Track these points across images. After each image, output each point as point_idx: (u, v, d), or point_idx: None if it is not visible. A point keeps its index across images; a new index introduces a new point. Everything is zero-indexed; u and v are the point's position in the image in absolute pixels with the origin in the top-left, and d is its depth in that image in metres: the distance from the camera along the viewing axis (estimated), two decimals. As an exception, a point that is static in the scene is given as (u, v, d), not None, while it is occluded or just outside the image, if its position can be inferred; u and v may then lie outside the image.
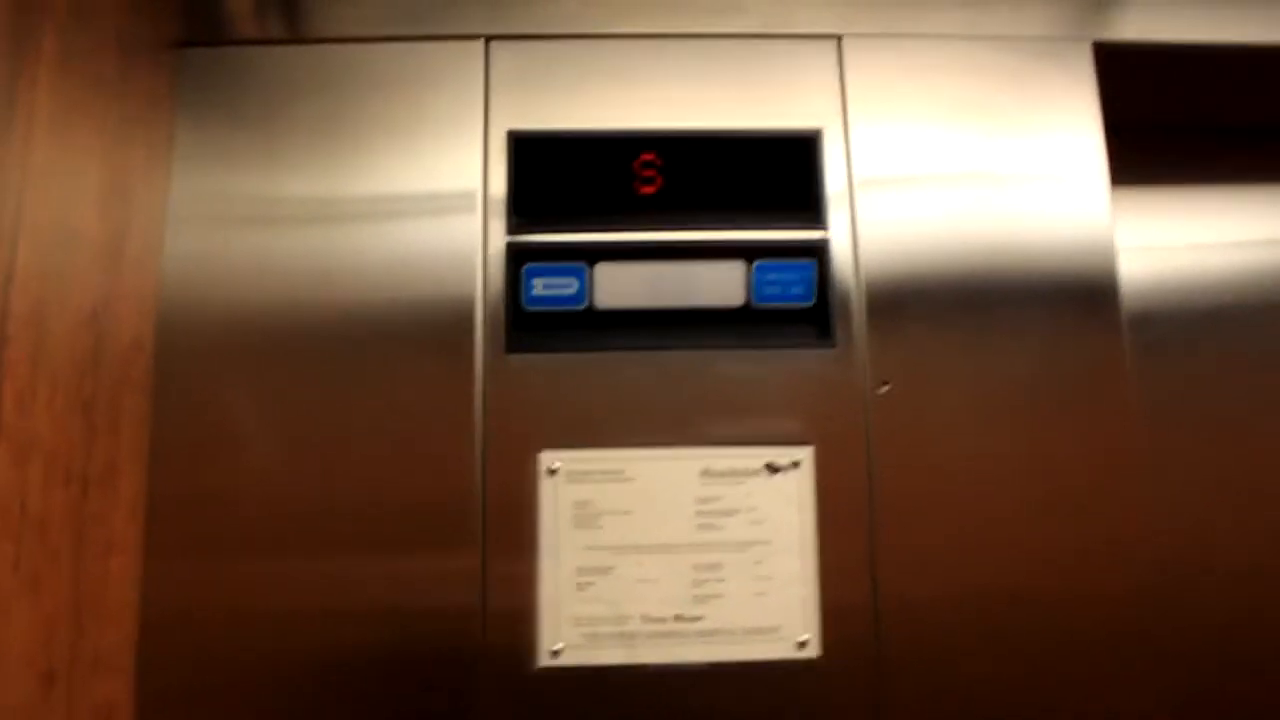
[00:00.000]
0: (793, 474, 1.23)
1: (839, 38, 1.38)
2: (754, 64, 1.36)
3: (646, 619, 1.19)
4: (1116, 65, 1.38)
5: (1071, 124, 1.36)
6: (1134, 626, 1.23)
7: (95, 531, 1.08)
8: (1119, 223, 1.34)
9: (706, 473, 1.23)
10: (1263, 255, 1.62)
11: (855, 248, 1.30)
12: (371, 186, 1.29)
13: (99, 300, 1.11)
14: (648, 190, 1.32)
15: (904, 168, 1.34)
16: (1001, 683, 1.22)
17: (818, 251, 1.30)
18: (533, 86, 1.34)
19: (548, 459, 1.22)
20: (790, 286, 1.29)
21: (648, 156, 1.33)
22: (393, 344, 1.24)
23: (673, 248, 1.30)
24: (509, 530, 1.21)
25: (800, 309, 1.29)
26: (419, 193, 1.29)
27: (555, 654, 1.18)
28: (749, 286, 1.29)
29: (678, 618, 1.19)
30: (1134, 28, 1.40)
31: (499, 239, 1.28)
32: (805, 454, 1.24)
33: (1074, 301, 1.31)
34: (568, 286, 1.28)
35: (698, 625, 1.19)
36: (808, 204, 1.32)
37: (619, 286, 1.28)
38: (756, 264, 1.29)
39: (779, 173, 1.33)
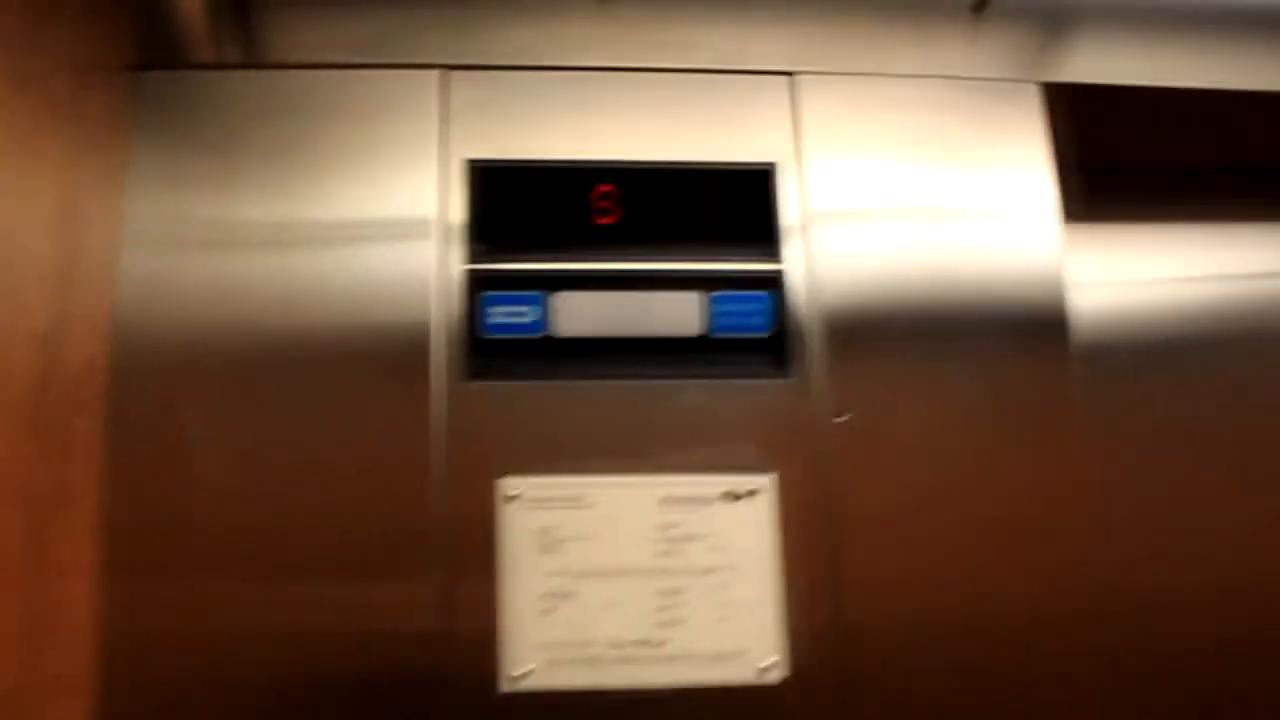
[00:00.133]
0: (752, 501, 1.24)
1: (791, 74, 1.40)
2: (709, 98, 1.38)
3: (610, 644, 1.18)
4: (1065, 105, 1.42)
5: (1022, 161, 1.39)
6: (1089, 649, 1.25)
7: (50, 555, 1.06)
8: (1070, 258, 1.37)
9: (667, 499, 1.23)
10: (1211, 290, 1.67)
11: (811, 280, 1.32)
12: (328, 212, 1.28)
13: (50, 322, 1.09)
14: (605, 220, 1.33)
15: (858, 201, 1.36)
16: (963, 705, 1.23)
17: (773, 283, 1.31)
18: (491, 116, 1.34)
19: (507, 485, 1.21)
20: (747, 317, 1.30)
21: (605, 188, 1.34)
22: (351, 369, 1.23)
23: (630, 277, 1.30)
24: (470, 556, 1.20)
25: (757, 339, 1.30)
26: (376, 218, 1.28)
27: (518, 679, 1.17)
28: (706, 317, 1.30)
29: (641, 642, 1.19)
30: (1080, 70, 1.44)
31: (456, 266, 1.28)
32: (765, 481, 1.25)
33: (1024, 333, 1.33)
34: (526, 315, 1.28)
35: (661, 650, 1.19)
36: (763, 236, 1.34)
37: (577, 315, 1.29)
38: (713, 295, 1.30)
39: (735, 205, 1.35)
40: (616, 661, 1.18)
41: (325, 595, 1.17)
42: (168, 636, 1.15)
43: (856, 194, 1.36)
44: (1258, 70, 1.48)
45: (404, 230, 1.28)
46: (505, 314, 1.28)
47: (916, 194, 1.37)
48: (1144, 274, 1.66)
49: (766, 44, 1.41)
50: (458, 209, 1.30)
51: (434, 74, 1.35)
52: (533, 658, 1.17)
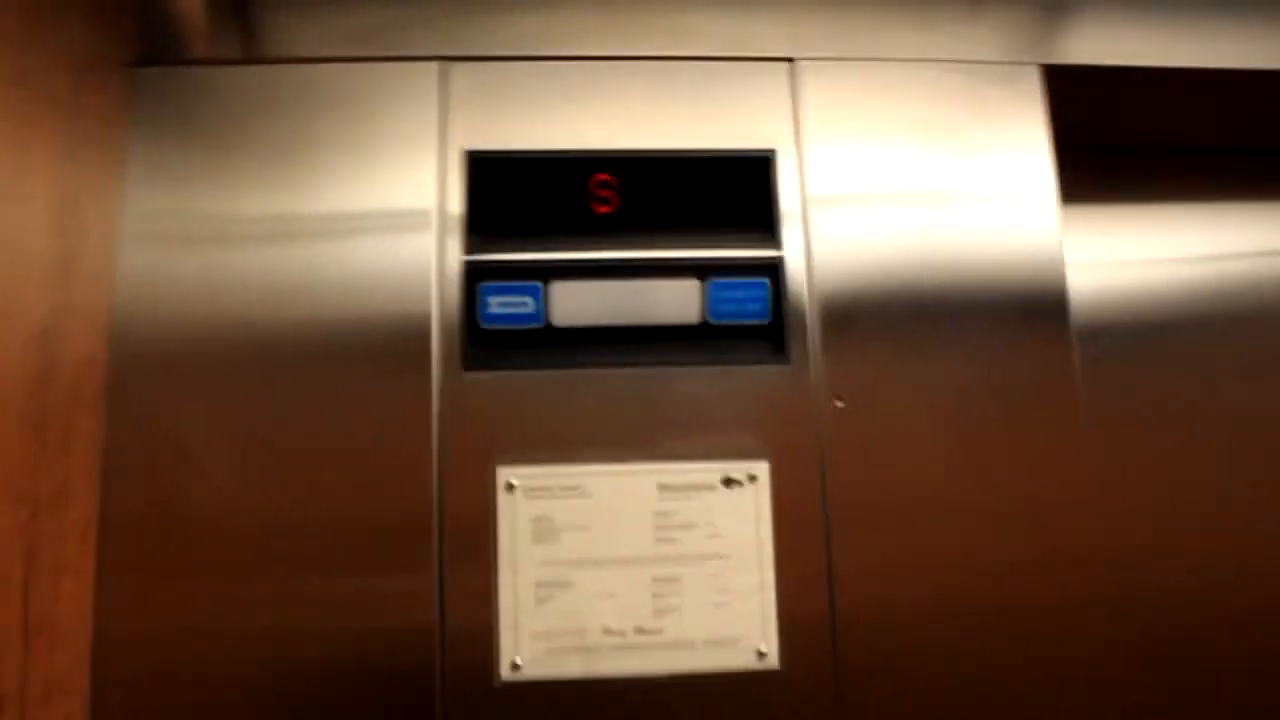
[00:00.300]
0: (749, 488, 1.24)
1: (791, 60, 1.39)
2: (708, 86, 1.38)
3: (606, 632, 1.19)
4: (1065, 87, 1.41)
5: (1022, 144, 1.38)
6: (1085, 634, 1.25)
7: (46, 553, 1.07)
8: (1069, 239, 1.36)
9: (664, 487, 1.23)
10: (1209, 270, 1.66)
11: (809, 266, 1.32)
12: (327, 205, 1.28)
13: (49, 318, 1.10)
14: (604, 210, 1.33)
15: (857, 187, 1.35)
16: (958, 690, 1.23)
17: (772, 269, 1.31)
18: (489, 107, 1.34)
19: (505, 475, 1.22)
20: (746, 304, 1.30)
21: (603, 176, 1.34)
22: (349, 362, 1.23)
23: (628, 266, 1.30)
24: (467, 546, 1.20)
25: (756, 326, 1.30)
26: (375, 211, 1.29)
27: (515, 668, 1.17)
28: (705, 304, 1.30)
29: (638, 630, 1.19)
30: (1081, 52, 1.43)
31: (455, 257, 1.28)
32: (761, 468, 1.25)
33: (1025, 316, 1.33)
34: (524, 304, 1.28)
35: (657, 637, 1.19)
36: (762, 223, 1.34)
37: (576, 304, 1.29)
38: (712, 282, 1.30)
39: (734, 192, 1.35)
40: (613, 649, 1.19)
41: (322, 589, 1.18)
42: (166, 633, 1.15)
43: (856, 179, 1.36)
44: (1258, 49, 1.47)
45: (403, 222, 1.29)
46: (504, 304, 1.28)
47: (916, 178, 1.36)
48: (1142, 255, 1.66)
49: (766, 30, 1.41)
50: (457, 200, 1.30)
51: (433, 65, 1.35)
52: (529, 647, 1.18)
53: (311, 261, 1.26)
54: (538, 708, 1.17)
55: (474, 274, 1.28)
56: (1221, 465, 1.58)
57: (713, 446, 1.25)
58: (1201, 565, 1.53)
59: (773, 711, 1.19)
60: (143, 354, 1.21)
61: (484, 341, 1.26)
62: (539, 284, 1.29)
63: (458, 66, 1.35)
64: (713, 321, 1.29)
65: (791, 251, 1.32)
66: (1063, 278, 1.34)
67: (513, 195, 1.32)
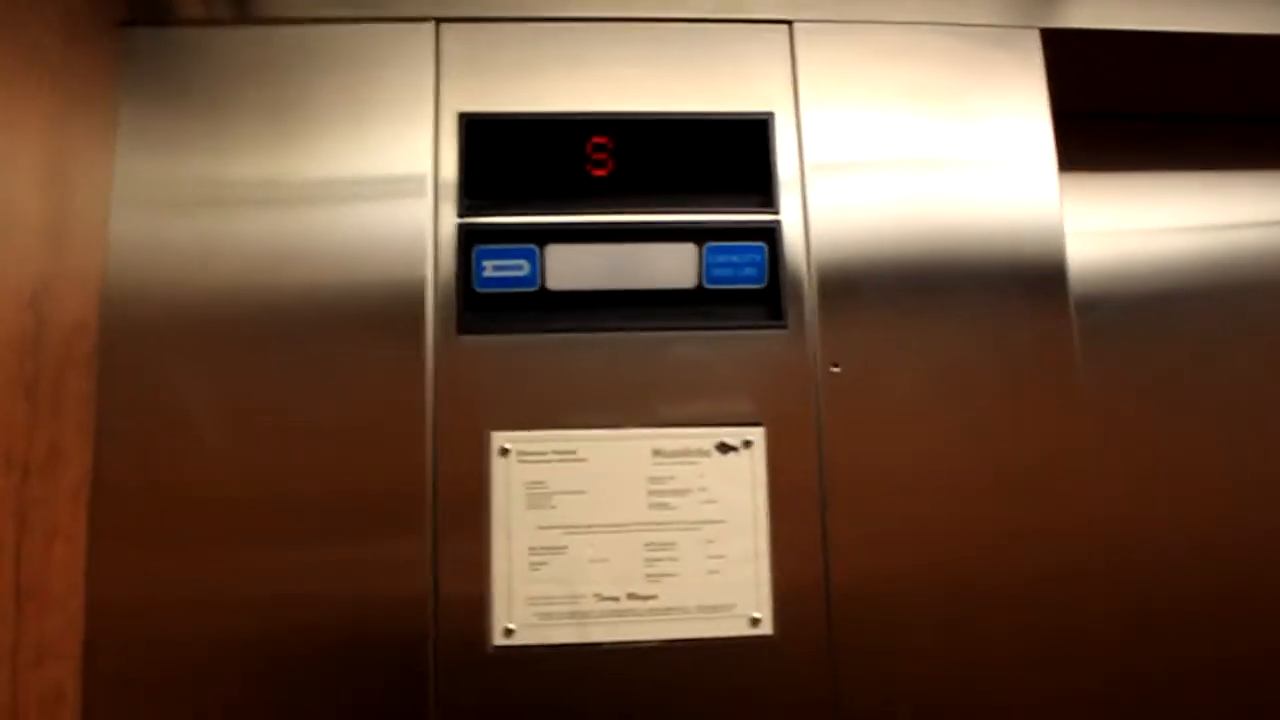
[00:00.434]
0: (745, 454, 1.24)
1: (790, 23, 1.38)
2: (706, 48, 1.36)
3: (600, 598, 1.19)
4: (1065, 52, 1.40)
5: (1021, 110, 1.37)
6: (1080, 604, 1.25)
7: (38, 517, 1.06)
8: (1067, 207, 1.35)
9: (659, 453, 1.23)
10: (1208, 239, 1.65)
11: (806, 230, 1.31)
12: (321, 169, 1.27)
13: (40, 281, 1.09)
14: (599, 173, 1.32)
15: (855, 152, 1.34)
16: (952, 658, 1.23)
17: (769, 234, 1.30)
18: (484, 69, 1.33)
19: (500, 439, 1.22)
20: (742, 268, 1.29)
21: (599, 139, 1.33)
22: (343, 327, 1.23)
23: (624, 230, 1.30)
24: (461, 512, 1.20)
25: (752, 290, 1.29)
26: (369, 175, 1.28)
27: (509, 634, 1.17)
28: (701, 268, 1.29)
29: (631, 596, 1.19)
30: (1081, 15, 1.42)
31: (450, 221, 1.27)
32: (757, 434, 1.24)
33: (1023, 285, 1.32)
34: (519, 268, 1.27)
35: (651, 604, 1.19)
36: (759, 187, 1.33)
37: (571, 268, 1.28)
38: (708, 246, 1.29)
39: (731, 156, 1.34)
40: (606, 615, 1.19)
41: (317, 555, 1.18)
42: (158, 599, 1.16)
43: (853, 143, 1.35)
44: (1263, 14, 1.45)
45: (398, 186, 1.28)
46: (499, 267, 1.27)
47: (914, 143, 1.35)
48: (1142, 223, 1.65)
49: (765, -8, 1.39)
50: (451, 163, 1.29)
51: (429, 26, 1.33)
52: (522, 613, 1.18)
53: (305, 227, 1.25)
54: (530, 673, 1.17)
55: (469, 237, 1.27)
56: (1220, 436, 1.58)
57: (708, 411, 1.25)
58: (1199, 536, 1.53)
59: (766, 678, 1.20)
60: (135, 319, 1.21)
61: (479, 305, 1.26)
62: (534, 247, 1.28)
63: (452, 28, 1.33)
64: (709, 286, 1.29)
65: (789, 215, 1.31)
66: (1062, 246, 1.33)
67: (508, 158, 1.31)
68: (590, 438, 1.23)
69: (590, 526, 1.21)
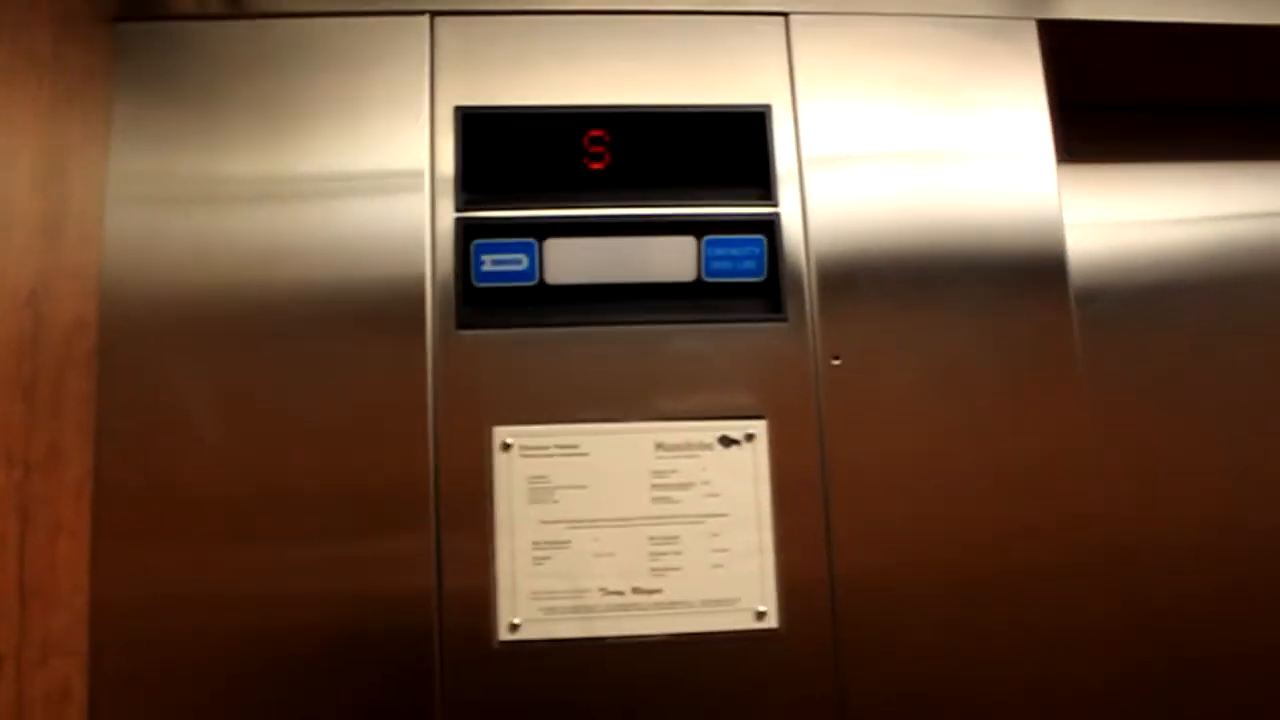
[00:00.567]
0: (747, 447, 1.23)
1: (786, 15, 1.37)
2: (702, 41, 1.36)
3: (604, 592, 1.19)
4: (1062, 43, 1.40)
5: (1018, 101, 1.37)
6: (1081, 598, 1.25)
7: (40, 514, 1.06)
8: (1065, 199, 1.35)
9: (661, 446, 1.23)
10: (1206, 231, 1.65)
11: (805, 223, 1.31)
12: (317, 165, 1.27)
13: (37, 280, 1.08)
14: (597, 166, 1.32)
15: (853, 144, 1.34)
16: (955, 651, 1.23)
17: (768, 226, 1.30)
18: (480, 63, 1.32)
19: (501, 434, 1.21)
20: (741, 261, 1.29)
21: (597, 133, 1.32)
22: (342, 324, 1.22)
23: (623, 223, 1.30)
24: (463, 508, 1.20)
25: (751, 283, 1.29)
26: (365, 171, 1.27)
27: (513, 629, 1.17)
28: (700, 261, 1.29)
29: (636, 590, 1.19)
30: (1078, 6, 1.42)
31: (448, 216, 1.27)
32: (759, 427, 1.24)
33: (1023, 277, 1.32)
34: (518, 262, 1.27)
35: (655, 598, 1.19)
36: (757, 180, 1.33)
37: (570, 262, 1.28)
38: (707, 239, 1.29)
39: (728, 149, 1.34)
40: (611, 610, 1.19)
41: (320, 552, 1.18)
42: (164, 597, 1.15)
43: (851, 135, 1.35)
44: (1258, 4, 1.45)
45: (395, 181, 1.27)
46: (498, 262, 1.27)
47: (912, 136, 1.35)
48: (1140, 215, 1.65)
49: (760, -17, 1.39)
50: (448, 157, 1.29)
51: (423, 20, 1.33)
52: (527, 608, 1.18)
53: (302, 223, 1.25)
54: (535, 668, 1.17)
55: (467, 231, 1.27)
56: (1221, 429, 1.57)
57: (709, 404, 1.25)
58: (1199, 530, 1.53)
59: (772, 672, 1.20)
60: (133, 316, 1.20)
61: (478, 300, 1.25)
62: (533, 241, 1.27)
63: (447, 21, 1.33)
64: (708, 279, 1.29)
65: (787, 208, 1.31)
66: (1061, 238, 1.34)
67: (505, 152, 1.31)
68: (592, 432, 1.23)
69: (594, 521, 1.20)
